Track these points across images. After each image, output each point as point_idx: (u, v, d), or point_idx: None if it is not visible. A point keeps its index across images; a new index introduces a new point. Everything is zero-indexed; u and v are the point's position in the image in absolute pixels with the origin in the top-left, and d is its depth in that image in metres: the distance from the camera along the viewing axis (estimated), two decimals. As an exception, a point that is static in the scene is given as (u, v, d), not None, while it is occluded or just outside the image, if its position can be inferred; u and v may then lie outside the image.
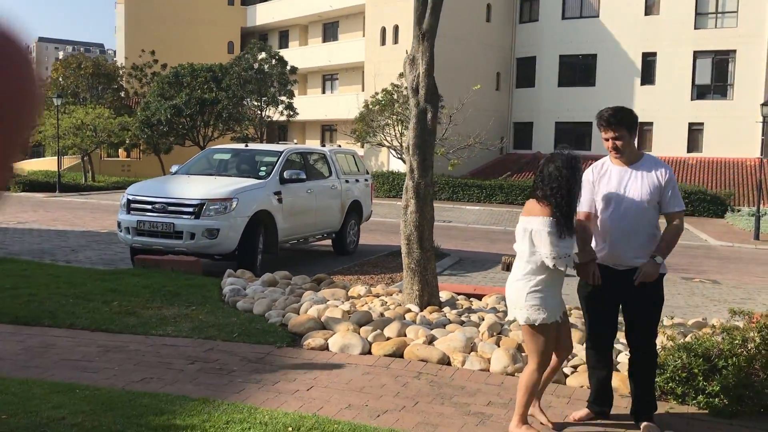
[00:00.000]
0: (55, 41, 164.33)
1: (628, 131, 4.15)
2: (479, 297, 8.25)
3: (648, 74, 33.20)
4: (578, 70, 35.04)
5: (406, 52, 7.20)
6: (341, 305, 7.07)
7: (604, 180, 4.24)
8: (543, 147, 35.44)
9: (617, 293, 4.25)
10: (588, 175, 4.26)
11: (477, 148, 18.28)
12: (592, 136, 34.71)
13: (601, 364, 4.40)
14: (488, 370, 5.40)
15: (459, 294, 8.19)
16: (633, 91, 33.50)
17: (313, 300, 7.20)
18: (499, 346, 5.70)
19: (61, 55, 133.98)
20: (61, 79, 39.15)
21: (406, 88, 27.59)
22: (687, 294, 10.62)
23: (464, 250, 14.45)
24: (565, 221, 3.95)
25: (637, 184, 4.15)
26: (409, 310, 6.93)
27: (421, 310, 6.99)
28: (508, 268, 11.92)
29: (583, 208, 4.25)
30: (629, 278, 4.13)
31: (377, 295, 7.91)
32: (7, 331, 6.15)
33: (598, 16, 34.20)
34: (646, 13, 33.02)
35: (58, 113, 31.23)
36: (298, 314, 6.81)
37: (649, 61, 33.14)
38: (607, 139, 4.17)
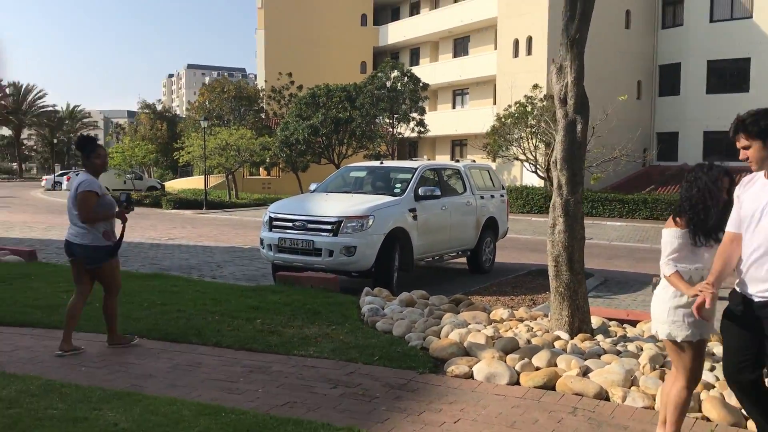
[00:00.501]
0: (201, 67, 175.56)
1: (760, 139, 3.45)
2: (633, 323, 7.63)
3: (811, 78, 30.34)
4: (729, 76, 32.61)
5: (553, 61, 6.79)
6: (484, 330, 6.73)
7: (749, 194, 3.57)
8: (690, 158, 33.22)
9: (756, 328, 3.48)
10: (737, 190, 3.67)
11: (623, 161, 17.28)
12: (746, 146, 32.22)
13: (751, 411, 3.67)
14: (653, 408, 4.87)
15: (611, 320, 7.60)
16: (793, 97, 30.70)
17: (453, 323, 6.91)
18: (663, 381, 5.14)
19: (207, 80, 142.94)
20: (207, 103, 41.55)
21: (540, 99, 26.90)
22: None
23: (609, 270, 13.62)
24: (696, 232, 3.74)
25: None
26: (559, 338, 6.47)
27: (572, 338, 6.51)
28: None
29: (728, 227, 3.66)
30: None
31: (521, 320, 7.50)
32: (158, 347, 6.32)
33: (751, 17, 31.73)
34: (808, 11, 30.25)
35: (205, 135, 33.04)
36: (439, 338, 6.54)
37: (812, 63, 30.29)
38: (738, 149, 3.51)
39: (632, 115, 31.48)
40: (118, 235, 6.19)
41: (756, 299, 3.46)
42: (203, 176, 35.49)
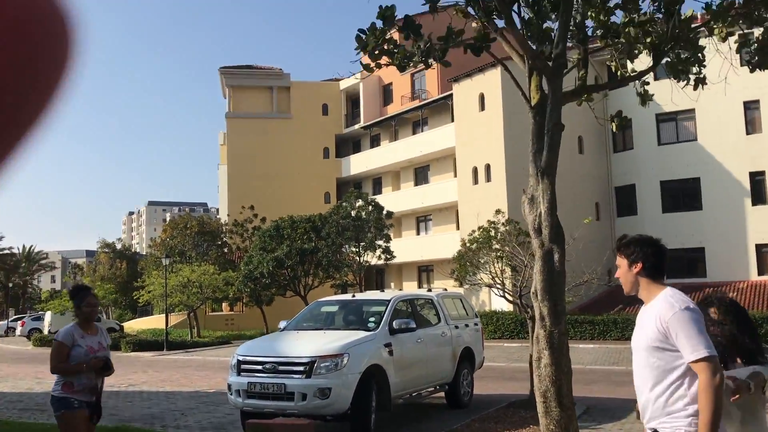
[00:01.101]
0: (162, 204, 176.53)
1: (627, 259, 3.57)
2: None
3: (758, 194, 31.57)
4: (682, 195, 33.82)
5: (524, 192, 6.79)
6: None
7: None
8: (653, 276, 33.71)
9: None
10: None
11: (594, 284, 17.33)
12: (705, 262, 32.86)
13: None
14: None
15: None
16: (744, 212, 31.82)
17: (441, 470, 6.43)
18: None
19: (168, 216, 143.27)
20: (169, 239, 41.26)
21: (503, 224, 27.27)
22: None
23: (589, 397, 13.23)
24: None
25: (641, 327, 3.52)
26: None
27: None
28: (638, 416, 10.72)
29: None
30: None
31: (512, 461, 7.04)
32: None
33: (696, 140, 33.38)
34: (748, 133, 31.95)
35: (166, 272, 32.50)
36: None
37: (757, 180, 31.63)
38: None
39: (594, 237, 32.11)
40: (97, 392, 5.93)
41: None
42: (164, 315, 34.61)
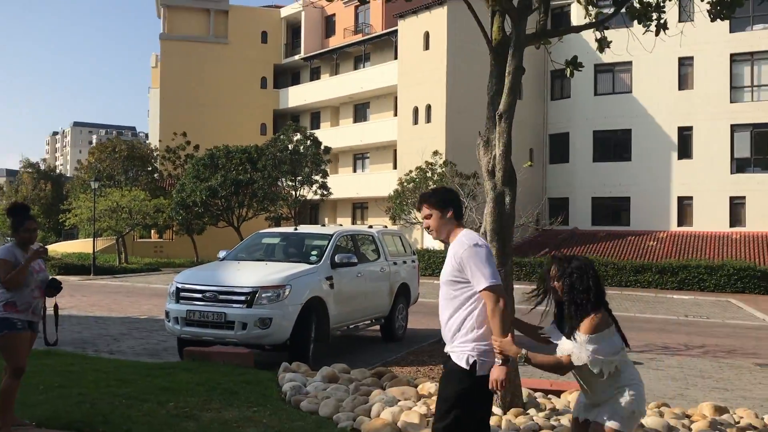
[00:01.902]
0: (89, 125, 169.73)
1: (438, 209, 3.95)
2: (557, 393, 7.60)
3: (685, 148, 32.83)
4: (613, 145, 34.83)
5: (479, 134, 6.84)
6: (415, 407, 6.48)
7: None
8: (580, 223, 34.88)
9: None
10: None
11: (531, 228, 17.83)
12: (630, 211, 34.16)
13: None
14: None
15: (535, 390, 7.54)
16: (670, 165, 33.07)
17: (383, 400, 6.62)
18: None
19: (94, 138, 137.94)
20: (97, 163, 39.82)
21: (440, 165, 27.56)
22: (773, 384, 9.79)
23: (518, 335, 13.73)
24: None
25: (446, 264, 3.90)
26: (492, 413, 6.30)
27: (505, 413, 6.36)
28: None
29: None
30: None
31: (449, 393, 7.29)
32: (61, 440, 5.64)
33: (630, 92, 34.19)
34: (680, 88, 32.94)
35: (95, 196, 31.51)
36: (370, 417, 6.22)
37: (685, 135, 32.83)
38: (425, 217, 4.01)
39: (528, 182, 32.82)
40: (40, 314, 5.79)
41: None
42: (90, 239, 33.69)
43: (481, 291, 3.69)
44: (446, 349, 3.87)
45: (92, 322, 14.33)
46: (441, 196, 3.98)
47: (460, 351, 3.76)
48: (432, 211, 3.94)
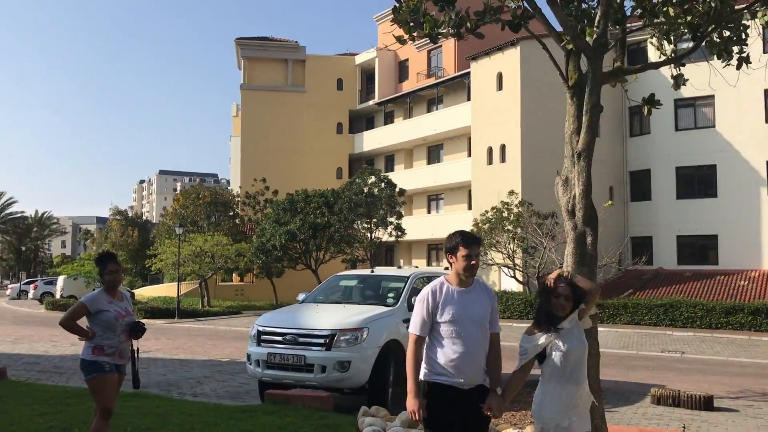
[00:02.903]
0: (174, 173, 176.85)
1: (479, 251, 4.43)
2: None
3: (775, 183, 31.35)
4: (697, 182, 33.61)
5: (558, 173, 6.75)
6: (498, 453, 6.30)
7: (449, 301, 4.28)
8: (664, 262, 33.64)
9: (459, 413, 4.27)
10: (429, 298, 4.31)
11: (614, 268, 17.34)
12: (718, 249, 32.73)
13: None
14: None
15: (625, 438, 7.21)
16: (759, 201, 31.60)
17: (465, 446, 6.46)
18: None
19: (179, 186, 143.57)
20: (181, 209, 41.38)
21: (516, 205, 27.23)
22: None
23: (603, 380, 13.22)
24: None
25: (478, 304, 4.30)
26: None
27: (593, 461, 6.09)
28: (658, 401, 10.73)
29: (417, 331, 4.32)
30: (474, 393, 4.24)
31: (533, 440, 7.07)
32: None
33: (714, 126, 33.08)
34: (767, 121, 31.63)
35: (179, 241, 32.64)
36: (451, 464, 6.08)
37: (774, 169, 31.38)
38: (469, 256, 4.27)
39: (608, 221, 32.04)
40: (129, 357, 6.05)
41: (466, 388, 4.23)
42: (174, 283, 34.79)
43: (495, 333, 4.39)
44: (474, 378, 4.24)
45: (176, 364, 14.71)
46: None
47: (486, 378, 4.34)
48: (478, 252, 4.38)
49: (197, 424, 7.65)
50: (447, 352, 4.22)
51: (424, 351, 4.31)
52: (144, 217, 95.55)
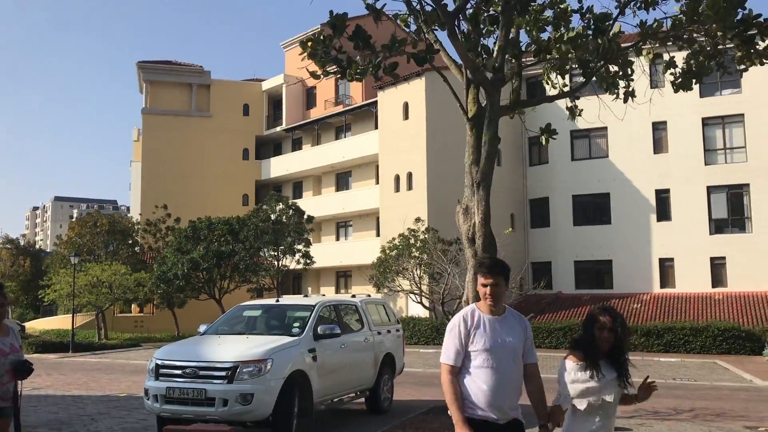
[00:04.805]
0: (70, 199, 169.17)
1: (505, 281, 4.27)
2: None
3: (663, 210, 33.28)
4: (592, 209, 35.25)
5: (459, 202, 6.88)
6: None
7: (480, 330, 4.17)
8: (563, 287, 34.91)
9: None
10: (460, 326, 4.21)
11: (513, 293, 17.82)
12: (613, 274, 34.29)
13: None
14: None
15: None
16: (650, 228, 33.44)
17: (369, 477, 6.41)
18: None
19: (75, 213, 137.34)
20: (77, 237, 39.51)
21: (422, 232, 27.61)
22: (765, 448, 9.64)
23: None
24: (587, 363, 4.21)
25: (510, 334, 4.19)
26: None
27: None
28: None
29: (449, 361, 4.19)
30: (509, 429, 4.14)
31: (437, 467, 7.09)
32: None
33: (607, 157, 34.86)
34: (656, 152, 33.64)
35: (74, 271, 31.13)
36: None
37: (663, 197, 33.34)
38: (485, 285, 4.20)
39: (509, 247, 32.97)
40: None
41: (501, 422, 4.09)
42: (69, 315, 33.09)
43: (536, 363, 4.31)
44: (513, 413, 4.14)
45: (69, 401, 13.93)
46: (507, 269, 4.33)
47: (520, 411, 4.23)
48: (499, 281, 4.21)
49: (88, 465, 7.23)
50: (480, 384, 4.05)
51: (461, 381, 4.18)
52: (37, 246, 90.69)
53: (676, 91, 7.09)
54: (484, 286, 4.15)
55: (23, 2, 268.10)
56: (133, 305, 40.42)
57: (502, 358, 4.07)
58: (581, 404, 4.15)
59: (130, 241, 40.09)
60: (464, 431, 3.97)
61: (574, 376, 4.19)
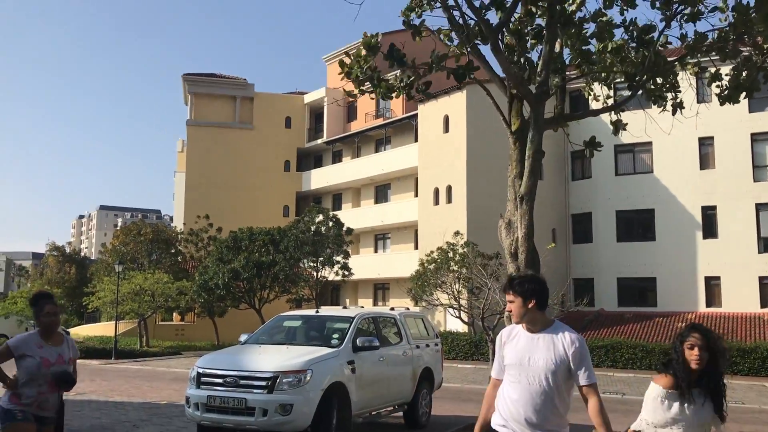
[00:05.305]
0: (115, 209, 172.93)
1: (523, 299, 4.11)
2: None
3: (710, 228, 32.49)
4: (636, 225, 34.61)
5: (501, 216, 6.84)
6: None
7: (512, 344, 4.19)
8: (606, 304, 34.32)
9: None
10: (498, 339, 4.28)
11: (556, 309, 17.57)
12: (657, 292, 33.58)
13: None
14: None
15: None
16: (695, 245, 32.68)
17: (407, 492, 6.36)
18: None
19: (120, 222, 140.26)
20: (121, 246, 40.34)
21: (461, 246, 27.45)
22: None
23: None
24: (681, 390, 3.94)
25: (542, 351, 4.07)
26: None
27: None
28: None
29: (492, 374, 4.27)
30: None
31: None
32: None
33: (652, 172, 34.25)
34: (702, 168, 32.91)
35: (118, 279, 31.76)
36: None
37: (709, 214, 32.56)
38: (510, 302, 4.21)
39: (551, 263, 32.57)
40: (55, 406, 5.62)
41: None
42: (112, 322, 33.72)
43: (589, 385, 4.01)
44: (535, 430, 3.98)
45: (111, 407, 14.17)
46: (526, 285, 4.20)
47: None
48: (514, 298, 4.14)
49: (130, 471, 7.33)
50: (506, 398, 4.08)
51: (497, 394, 4.19)
52: (82, 253, 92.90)
53: (722, 103, 6.93)
54: (508, 302, 4.17)
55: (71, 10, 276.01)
56: (174, 313, 41.03)
57: (529, 375, 4.02)
58: None
59: (173, 251, 40.78)
60: None
61: (659, 403, 3.99)
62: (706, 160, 32.94)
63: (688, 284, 32.51)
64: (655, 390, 4.00)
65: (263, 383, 9.05)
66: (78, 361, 6.48)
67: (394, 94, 6.66)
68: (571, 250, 36.53)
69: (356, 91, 6.84)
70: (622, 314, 32.79)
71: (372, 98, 8.20)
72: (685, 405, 3.91)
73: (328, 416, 9.37)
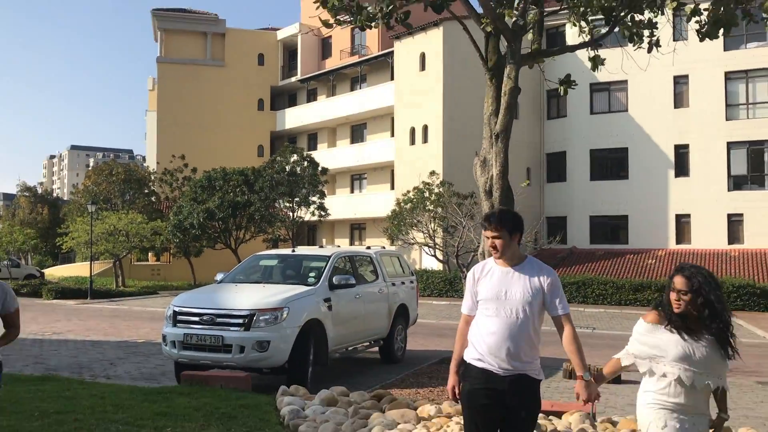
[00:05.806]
0: (86, 148, 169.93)
1: (509, 233, 4.11)
2: (558, 414, 7.51)
3: (682, 166, 32.89)
4: (610, 164, 34.90)
5: (476, 154, 6.83)
6: (415, 430, 6.39)
7: (486, 279, 4.18)
8: (578, 241, 34.86)
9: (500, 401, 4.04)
10: (470, 276, 4.28)
11: (529, 246, 17.81)
12: (628, 230, 34.15)
13: None
14: None
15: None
16: (667, 183, 33.12)
17: (383, 424, 6.54)
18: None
19: (92, 162, 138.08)
20: (93, 186, 39.76)
21: (437, 185, 27.53)
22: (776, 403, 9.70)
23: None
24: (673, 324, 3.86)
25: (518, 285, 4.08)
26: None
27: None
28: (570, 375, 11.04)
29: (463, 310, 4.27)
30: (513, 385, 3.99)
31: (449, 416, 7.21)
32: (54, 468, 5.55)
33: (626, 111, 34.34)
34: (676, 106, 33.08)
35: (92, 219, 31.45)
36: (370, 441, 6.14)
37: (682, 153, 32.91)
38: (487, 238, 4.18)
39: (525, 201, 32.84)
40: None
41: (501, 373, 3.98)
42: (87, 263, 33.55)
43: (564, 315, 4.07)
44: (515, 366, 3.97)
45: (89, 346, 14.22)
46: (512, 220, 4.20)
47: (537, 366, 4.07)
48: (501, 233, 4.11)
49: (109, 406, 7.42)
50: (482, 333, 4.05)
51: (470, 330, 4.18)
52: (54, 194, 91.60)
53: (701, 39, 6.88)
54: (488, 238, 4.15)
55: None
56: (149, 254, 40.89)
57: (506, 308, 4.02)
58: (642, 366, 3.88)
59: (146, 191, 40.31)
60: (452, 378, 4.18)
61: (638, 335, 3.93)
62: (680, 99, 33.08)
63: (659, 222, 33.08)
64: (639, 324, 3.99)
65: (240, 321, 9.11)
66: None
67: (373, 24, 6.49)
68: (545, 189, 36.84)
69: (332, 20, 6.66)
70: (593, 251, 33.39)
71: (347, 29, 7.96)
72: (672, 341, 3.78)
73: (305, 352, 9.50)
